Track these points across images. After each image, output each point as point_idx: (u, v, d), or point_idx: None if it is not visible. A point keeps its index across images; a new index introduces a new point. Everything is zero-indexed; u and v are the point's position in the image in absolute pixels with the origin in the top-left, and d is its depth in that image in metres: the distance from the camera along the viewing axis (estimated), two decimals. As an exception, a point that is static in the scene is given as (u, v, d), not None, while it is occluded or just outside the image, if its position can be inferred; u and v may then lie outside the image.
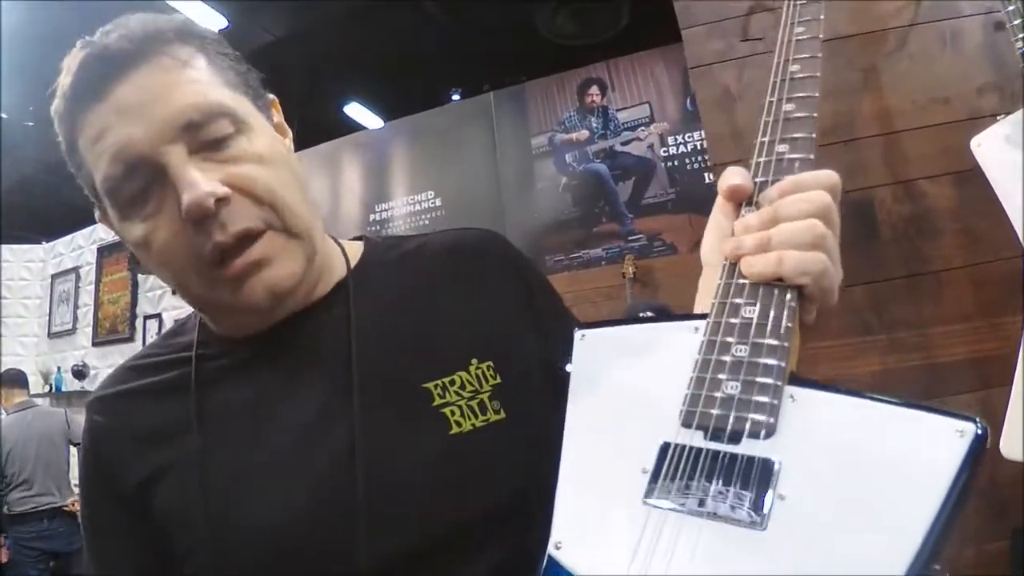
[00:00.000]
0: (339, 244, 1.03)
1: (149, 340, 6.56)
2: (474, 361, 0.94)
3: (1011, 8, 1.90)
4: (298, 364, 0.93)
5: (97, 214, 0.94)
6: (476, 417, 0.91)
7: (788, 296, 0.77)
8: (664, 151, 5.68)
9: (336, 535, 0.85)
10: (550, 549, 0.76)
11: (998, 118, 2.06)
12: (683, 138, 5.63)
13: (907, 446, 0.66)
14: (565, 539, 0.76)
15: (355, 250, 1.04)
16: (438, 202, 6.52)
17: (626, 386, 0.82)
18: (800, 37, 0.97)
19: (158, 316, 6.94)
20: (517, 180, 6.06)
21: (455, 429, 0.90)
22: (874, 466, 0.67)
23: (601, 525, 0.75)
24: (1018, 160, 1.99)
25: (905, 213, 2.20)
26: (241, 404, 0.92)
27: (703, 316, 0.80)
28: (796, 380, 0.73)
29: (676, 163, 5.64)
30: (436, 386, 0.91)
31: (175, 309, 6.66)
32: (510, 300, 1.01)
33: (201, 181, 0.81)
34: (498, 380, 0.94)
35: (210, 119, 0.84)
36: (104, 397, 0.97)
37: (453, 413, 0.91)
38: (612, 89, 5.90)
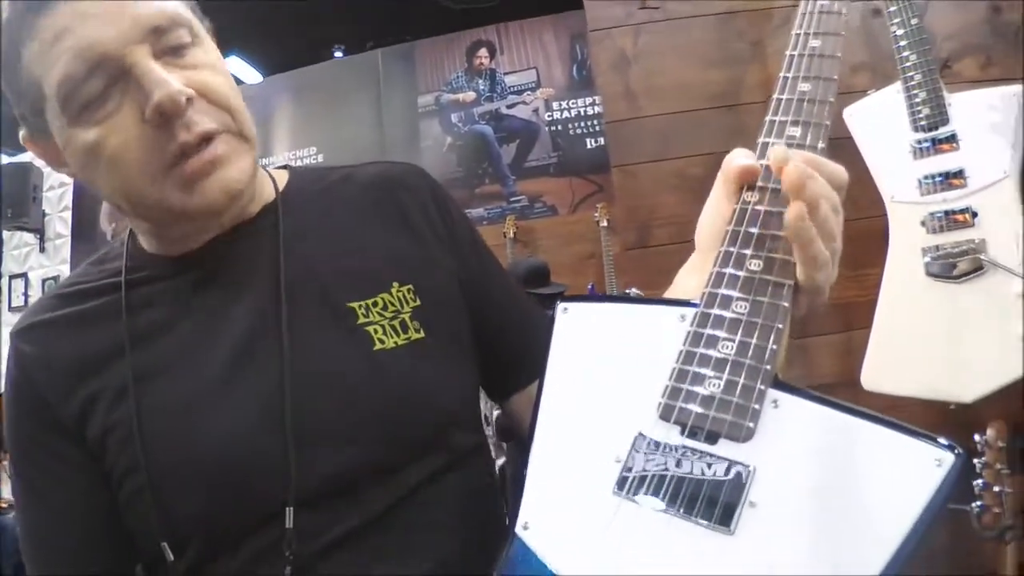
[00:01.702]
0: (268, 172, 1.05)
1: (15, 302, 6.31)
2: (395, 284, 0.97)
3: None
4: (228, 286, 0.94)
5: (22, 134, 0.93)
6: (398, 335, 0.94)
7: (783, 292, 0.74)
8: (549, 116, 5.81)
9: (268, 454, 0.86)
10: (518, 528, 0.75)
11: (868, 92, 2.27)
12: (568, 104, 5.78)
13: (886, 469, 0.66)
14: (533, 521, 0.75)
15: (282, 177, 1.05)
16: (320, 158, 6.42)
17: (606, 368, 0.79)
18: (826, 10, 0.91)
19: (23, 276, 6.55)
20: (402, 138, 6.05)
21: (378, 346, 0.93)
22: (850, 484, 0.66)
23: (570, 512, 0.74)
24: (883, 130, 2.20)
25: (779, 174, 2.37)
26: (172, 327, 0.92)
27: (691, 304, 0.78)
28: (781, 385, 0.72)
29: (560, 128, 5.79)
30: (360, 306, 0.94)
31: (42, 268, 6.36)
32: (430, 229, 1.04)
33: (172, 80, 0.82)
34: (418, 302, 0.97)
35: (173, 27, 0.85)
36: (32, 326, 0.95)
37: (376, 331, 0.93)
38: (501, 53, 5.98)
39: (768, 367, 0.72)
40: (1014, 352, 1.94)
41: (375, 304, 0.95)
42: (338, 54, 7.81)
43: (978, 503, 2.01)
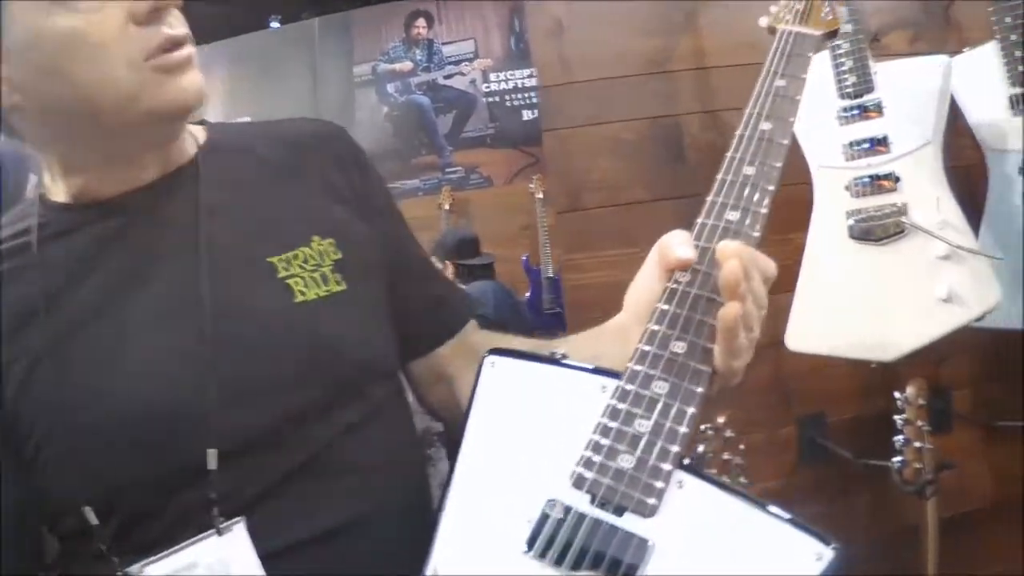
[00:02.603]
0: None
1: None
2: (316, 238, 0.98)
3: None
4: (146, 240, 0.94)
5: None
6: (319, 287, 0.95)
7: (702, 378, 0.78)
8: (486, 87, 5.77)
9: (190, 408, 0.86)
10: (428, 573, 0.77)
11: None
12: (505, 75, 5.73)
13: (770, 558, 0.70)
14: (441, 571, 0.77)
15: (201, 133, 1.05)
16: (254, 128, 6.28)
17: (526, 428, 0.82)
18: (781, 93, 0.95)
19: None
20: (337, 108, 5.96)
21: (299, 297, 0.94)
22: (738, 569, 0.70)
23: (478, 567, 0.76)
24: (810, 97, 2.24)
25: (710, 139, 2.44)
26: (88, 283, 0.91)
27: (614, 375, 0.81)
28: (689, 467, 0.75)
29: (497, 99, 5.75)
30: (280, 260, 0.95)
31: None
32: (349, 187, 1.05)
33: None
34: (339, 255, 0.98)
35: None
36: None
37: (297, 284, 0.94)
38: (439, 23, 5.90)
39: (677, 449, 0.75)
40: (933, 313, 2.01)
41: (296, 257, 0.96)
42: (275, 24, 7.68)
43: (899, 459, 2.08)
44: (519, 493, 0.77)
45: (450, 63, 5.86)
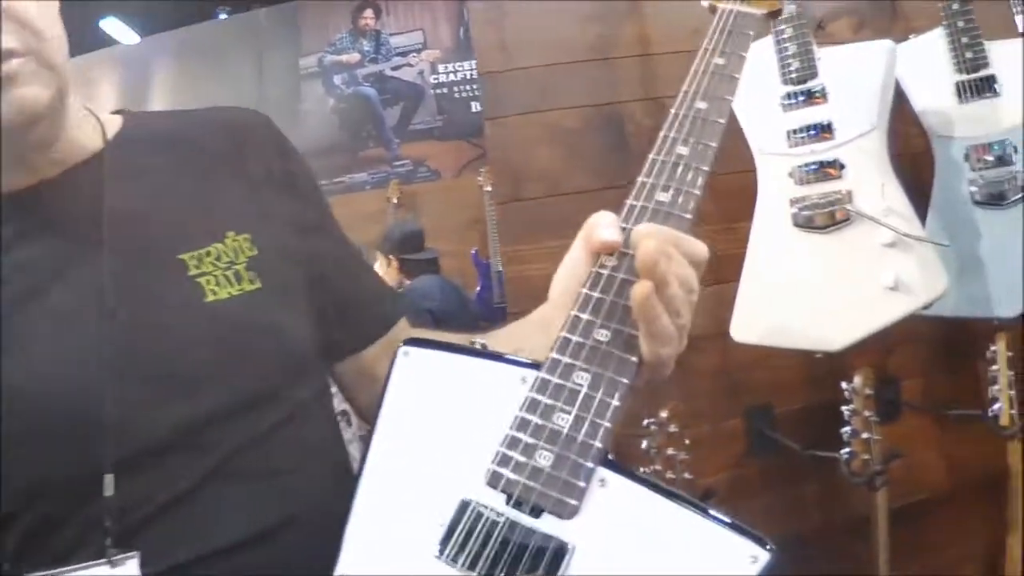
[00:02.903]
0: (96, 117, 1.00)
1: None
2: (231, 233, 0.94)
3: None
4: (51, 237, 0.90)
5: None
6: (232, 286, 0.91)
7: (626, 368, 0.74)
8: (434, 78, 5.72)
9: (90, 415, 0.82)
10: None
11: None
12: (454, 67, 5.69)
13: (702, 561, 0.66)
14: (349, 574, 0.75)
15: (114, 123, 1.00)
16: (198, 120, 6.20)
17: (440, 423, 0.78)
18: (719, 71, 0.92)
19: None
20: (283, 100, 5.89)
21: (210, 297, 0.90)
22: (664, 571, 0.66)
23: (388, 571, 0.73)
24: (753, 83, 2.21)
25: (653, 126, 2.37)
26: None
27: (534, 366, 0.77)
28: (611, 464, 0.71)
29: (445, 91, 5.70)
30: (192, 257, 0.91)
31: None
32: (270, 179, 1.02)
33: None
34: (255, 252, 0.95)
35: None
36: None
37: (208, 282, 0.90)
38: (386, 14, 5.85)
39: (600, 445, 0.71)
40: (879, 301, 1.97)
41: (208, 254, 0.92)
42: (222, 15, 7.59)
43: (847, 450, 2.05)
44: (431, 492, 0.74)
45: (398, 54, 5.82)
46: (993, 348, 2.29)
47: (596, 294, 0.78)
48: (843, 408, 2.06)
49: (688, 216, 0.81)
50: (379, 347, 1.07)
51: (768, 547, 0.65)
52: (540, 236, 2.26)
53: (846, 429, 2.05)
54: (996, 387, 2.31)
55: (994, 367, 2.30)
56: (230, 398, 0.88)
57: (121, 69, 6.63)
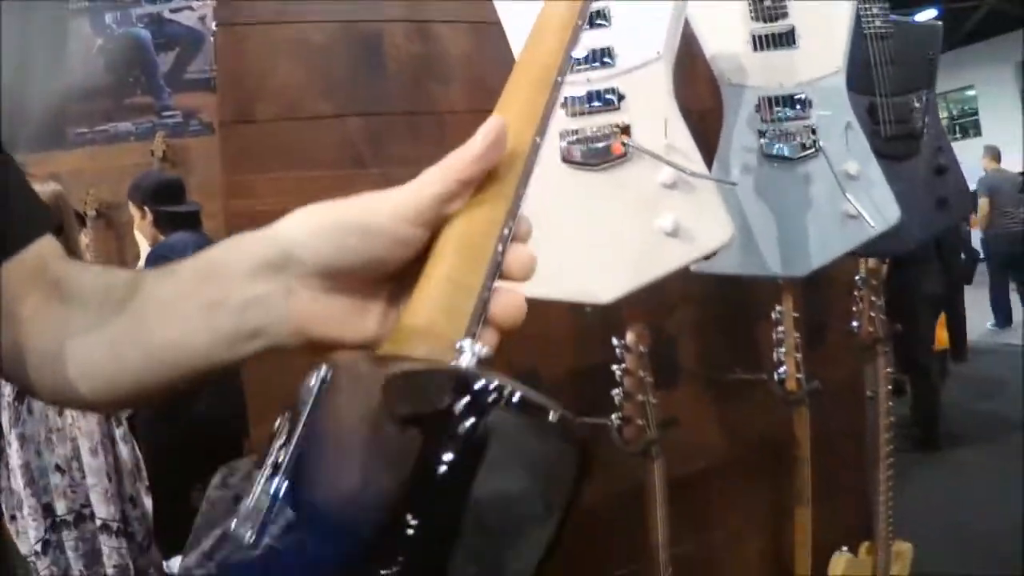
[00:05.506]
0: None
1: None
2: None
3: None
4: None
5: None
6: None
7: None
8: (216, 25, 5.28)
9: None
10: None
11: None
12: (238, 12, 5.27)
13: None
14: None
15: None
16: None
17: None
18: None
19: None
20: (48, 38, 5.23)
21: None
22: None
23: None
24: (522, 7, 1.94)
25: (415, 51, 2.13)
26: None
27: None
28: None
29: (225, 37, 5.27)
30: None
31: None
32: None
33: None
34: None
35: None
36: None
37: None
38: (167, -51, 5.37)
39: None
40: (656, 248, 1.74)
41: None
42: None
43: (618, 415, 1.83)
44: None
45: (179, -5, 5.31)
46: (780, 309, 2.18)
47: None
48: (614, 367, 1.84)
49: None
50: (10, 270, 0.69)
51: None
52: (270, 166, 1.93)
53: (617, 391, 1.83)
54: (782, 350, 2.20)
55: (780, 328, 2.19)
56: None
57: None
